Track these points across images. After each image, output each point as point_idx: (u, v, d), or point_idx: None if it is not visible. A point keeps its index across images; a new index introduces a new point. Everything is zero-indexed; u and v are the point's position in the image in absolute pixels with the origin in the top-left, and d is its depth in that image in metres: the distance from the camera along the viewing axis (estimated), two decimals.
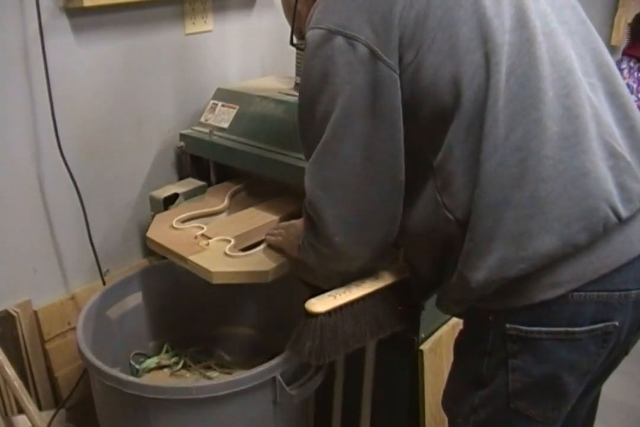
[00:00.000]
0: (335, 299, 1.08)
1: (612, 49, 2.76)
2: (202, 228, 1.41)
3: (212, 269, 1.25)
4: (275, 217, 1.47)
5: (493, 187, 0.87)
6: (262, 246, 1.34)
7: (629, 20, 2.77)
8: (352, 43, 0.88)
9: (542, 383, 0.94)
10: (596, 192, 0.87)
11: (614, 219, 0.87)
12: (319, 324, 1.06)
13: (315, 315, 1.06)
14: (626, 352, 1.03)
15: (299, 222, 1.26)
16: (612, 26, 2.79)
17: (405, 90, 0.90)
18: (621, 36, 2.78)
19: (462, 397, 1.04)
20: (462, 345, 1.07)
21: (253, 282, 1.28)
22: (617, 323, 0.91)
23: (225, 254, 1.31)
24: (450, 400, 1.10)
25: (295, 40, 1.15)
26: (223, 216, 1.51)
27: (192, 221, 1.47)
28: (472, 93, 0.87)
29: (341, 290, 1.10)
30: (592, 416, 1.18)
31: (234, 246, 1.34)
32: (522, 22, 0.90)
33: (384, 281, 1.13)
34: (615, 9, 2.76)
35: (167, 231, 1.42)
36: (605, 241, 0.88)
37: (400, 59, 0.89)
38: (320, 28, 0.91)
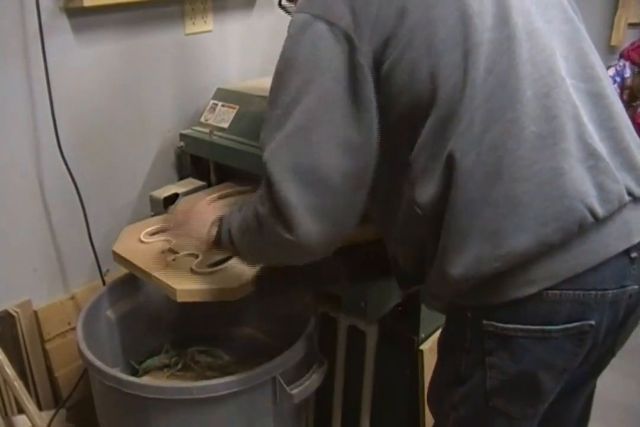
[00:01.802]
0: None
1: (611, 49, 2.76)
2: (170, 242, 1.36)
3: (177, 286, 1.21)
4: None
5: (469, 185, 0.87)
6: (230, 262, 1.28)
7: (629, 20, 2.77)
8: (333, 30, 0.89)
9: (518, 381, 0.95)
10: (572, 193, 0.87)
11: (590, 219, 0.87)
12: None
13: None
14: (613, 354, 1.04)
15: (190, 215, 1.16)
16: (612, 26, 2.79)
17: (382, 86, 0.90)
18: (621, 36, 2.78)
19: (443, 395, 1.05)
20: (443, 342, 1.07)
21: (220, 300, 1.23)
22: (593, 322, 0.91)
23: (192, 270, 1.26)
24: (433, 397, 1.11)
25: (283, 2, 1.15)
26: None
27: (161, 234, 1.41)
28: (448, 92, 0.87)
29: None
30: (587, 414, 1.18)
31: (202, 262, 1.29)
32: (503, 19, 0.90)
33: None
34: (615, 9, 2.76)
35: (134, 245, 1.37)
36: (581, 240, 0.88)
37: (378, 54, 0.89)
38: (303, 12, 0.91)
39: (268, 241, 0.97)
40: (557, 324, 0.90)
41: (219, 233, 1.08)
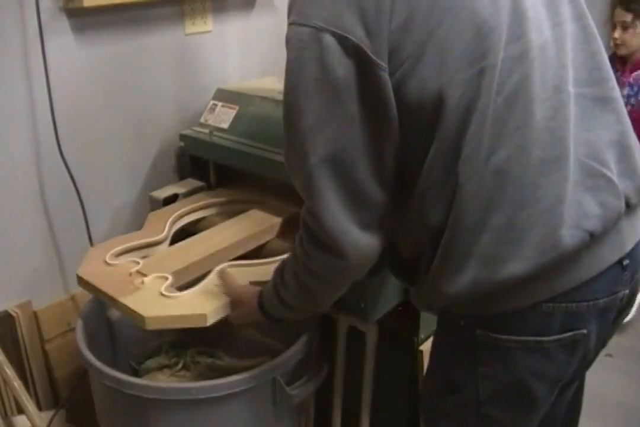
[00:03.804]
0: None
1: (612, 49, 2.75)
2: (138, 263, 1.29)
3: (145, 313, 1.13)
4: (219, 247, 1.35)
5: (471, 209, 0.85)
6: (201, 284, 1.23)
7: None
8: (344, 43, 0.81)
9: (511, 390, 0.95)
10: (571, 220, 0.85)
11: (588, 240, 0.87)
12: None
13: None
14: (603, 345, 1.03)
15: (239, 293, 1.17)
16: (612, 26, 2.79)
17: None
18: None
19: (435, 402, 1.04)
20: (435, 348, 1.07)
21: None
22: (585, 331, 0.91)
23: (161, 294, 1.19)
24: (424, 403, 1.11)
25: None
26: (164, 246, 1.39)
27: (129, 254, 1.35)
28: (457, 114, 0.82)
29: None
30: (576, 411, 1.19)
31: (171, 284, 1.22)
32: (518, 34, 0.84)
33: None
34: (615, 8, 2.76)
35: (100, 268, 1.28)
36: (576, 258, 0.88)
37: (387, 66, 0.82)
38: (306, 25, 0.82)
39: (320, 276, 0.97)
40: (550, 335, 0.90)
41: (264, 308, 1.11)
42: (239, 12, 1.75)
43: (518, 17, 0.85)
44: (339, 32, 0.81)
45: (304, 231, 0.94)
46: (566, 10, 0.92)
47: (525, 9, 0.86)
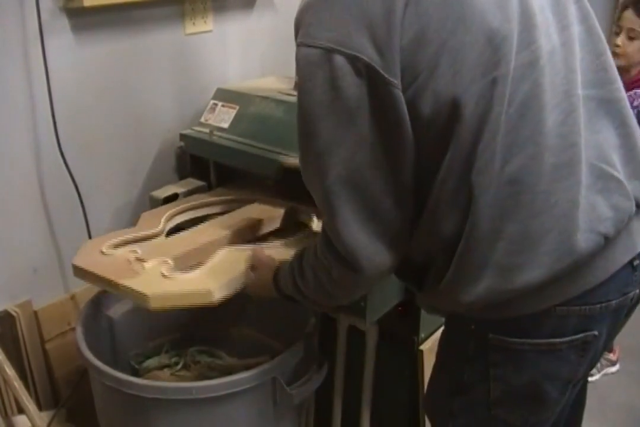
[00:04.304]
0: None
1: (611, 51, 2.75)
2: (137, 252, 1.27)
3: (148, 291, 1.11)
4: (219, 236, 1.35)
5: (486, 219, 0.85)
6: (204, 266, 1.21)
7: None
8: (354, 63, 0.79)
9: (523, 392, 0.95)
10: (586, 225, 0.85)
11: (602, 244, 0.87)
12: None
13: None
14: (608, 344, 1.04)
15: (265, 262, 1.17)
16: (612, 28, 2.79)
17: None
18: None
19: (442, 402, 1.04)
20: (443, 349, 1.07)
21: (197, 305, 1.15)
22: (596, 332, 0.92)
23: (163, 275, 1.17)
24: (430, 403, 1.11)
25: None
26: (159, 240, 1.37)
27: (125, 246, 1.32)
28: (471, 124, 0.82)
29: None
30: (579, 411, 1.19)
31: (173, 268, 1.21)
32: (527, 42, 0.83)
33: None
34: (623, 11, 2.76)
35: (97, 257, 1.26)
36: (589, 263, 0.88)
37: (402, 85, 0.81)
38: (315, 46, 0.80)
39: (339, 286, 0.98)
40: (563, 337, 0.90)
41: (279, 288, 1.10)
42: (239, 12, 1.75)
43: (527, 23, 0.84)
44: (349, 52, 0.79)
45: (323, 241, 0.95)
46: (572, 12, 0.91)
47: (533, 15, 0.85)
